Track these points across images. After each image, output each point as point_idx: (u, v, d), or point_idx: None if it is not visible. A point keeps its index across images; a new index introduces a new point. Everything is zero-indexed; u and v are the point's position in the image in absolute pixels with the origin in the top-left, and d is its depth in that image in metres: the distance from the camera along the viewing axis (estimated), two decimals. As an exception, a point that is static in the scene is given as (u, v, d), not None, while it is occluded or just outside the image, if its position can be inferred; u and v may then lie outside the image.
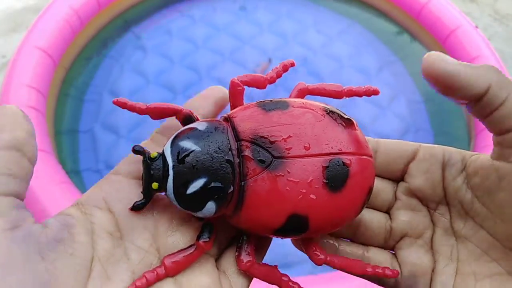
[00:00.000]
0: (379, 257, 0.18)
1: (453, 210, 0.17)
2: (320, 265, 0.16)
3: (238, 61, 0.80)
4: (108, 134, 0.68)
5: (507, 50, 0.96)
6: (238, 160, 0.15)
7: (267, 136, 0.15)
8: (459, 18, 0.78)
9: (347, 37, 0.86)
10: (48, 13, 0.70)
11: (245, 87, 0.18)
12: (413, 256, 0.17)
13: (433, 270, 0.17)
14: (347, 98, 0.19)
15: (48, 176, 0.52)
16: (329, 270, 0.57)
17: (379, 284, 0.18)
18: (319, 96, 0.20)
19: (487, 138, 0.62)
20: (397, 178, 0.18)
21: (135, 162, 0.16)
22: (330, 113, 0.16)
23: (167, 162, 0.15)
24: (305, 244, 0.17)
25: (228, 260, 0.16)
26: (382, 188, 0.18)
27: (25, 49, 0.65)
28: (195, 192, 0.15)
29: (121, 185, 0.16)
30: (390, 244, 0.18)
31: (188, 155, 0.15)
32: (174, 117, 0.17)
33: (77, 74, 0.75)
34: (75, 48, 0.75)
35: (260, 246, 0.17)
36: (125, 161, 0.16)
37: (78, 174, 0.63)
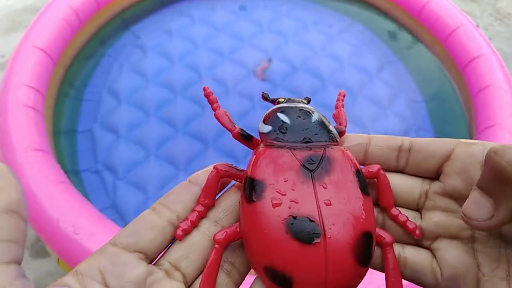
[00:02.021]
0: (418, 256, 0.17)
1: None
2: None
3: (238, 61, 0.79)
4: (107, 134, 0.68)
5: (508, 49, 0.96)
6: None
7: None
8: (460, 17, 0.78)
9: (347, 36, 0.85)
10: (47, 13, 0.70)
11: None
12: (452, 257, 0.16)
13: (478, 273, 0.16)
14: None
15: (47, 176, 0.52)
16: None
17: (418, 285, 0.17)
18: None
19: (488, 138, 0.61)
20: (430, 177, 0.18)
21: (134, 235, 0.16)
22: None
23: None
24: None
25: None
26: (410, 186, 0.18)
27: (24, 48, 0.65)
28: None
29: (118, 259, 0.15)
30: (424, 244, 0.17)
31: None
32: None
33: (76, 73, 0.75)
34: (74, 48, 0.75)
35: None
36: (125, 232, 0.16)
37: (77, 174, 0.63)
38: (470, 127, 0.71)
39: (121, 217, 0.60)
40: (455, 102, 0.76)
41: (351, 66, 0.81)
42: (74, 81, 0.74)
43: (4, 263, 0.12)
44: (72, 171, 0.63)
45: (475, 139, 0.69)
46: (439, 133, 0.73)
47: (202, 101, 0.72)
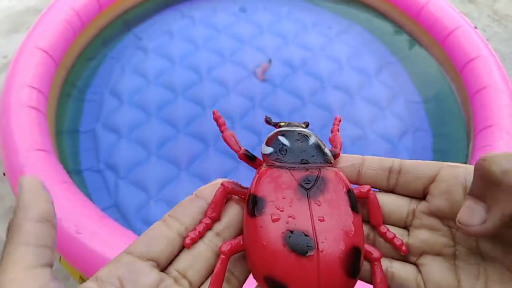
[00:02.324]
0: (404, 271, 0.18)
1: None
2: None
3: (238, 62, 0.80)
4: (109, 134, 0.69)
5: (505, 50, 0.97)
6: None
7: None
8: (458, 18, 0.78)
9: (346, 38, 0.86)
10: (49, 14, 0.71)
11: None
12: (436, 273, 0.17)
13: None
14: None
15: (49, 176, 0.52)
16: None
17: None
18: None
19: (486, 139, 0.62)
20: (418, 196, 0.19)
21: (147, 244, 0.17)
22: None
23: None
24: None
25: None
26: (399, 205, 0.19)
27: (26, 49, 0.65)
28: None
29: (133, 267, 0.16)
30: (410, 260, 0.18)
31: None
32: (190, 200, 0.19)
33: (78, 74, 0.75)
34: (76, 49, 0.76)
35: None
36: (139, 242, 0.17)
37: (79, 174, 0.64)
38: (468, 128, 0.71)
39: (122, 217, 0.60)
40: (453, 103, 0.76)
41: (349, 67, 0.81)
42: (76, 81, 0.74)
43: (40, 266, 0.14)
44: (75, 171, 0.63)
45: (473, 140, 0.70)
46: (437, 134, 0.73)
47: (203, 102, 0.73)
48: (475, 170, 0.15)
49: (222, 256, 0.17)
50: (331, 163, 0.19)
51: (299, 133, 0.19)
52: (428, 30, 0.81)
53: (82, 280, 0.51)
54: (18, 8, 0.97)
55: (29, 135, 0.56)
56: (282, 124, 0.21)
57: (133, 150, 0.67)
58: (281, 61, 0.81)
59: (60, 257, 0.52)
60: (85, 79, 0.75)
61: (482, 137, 0.63)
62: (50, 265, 0.14)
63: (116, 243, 0.47)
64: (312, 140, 0.19)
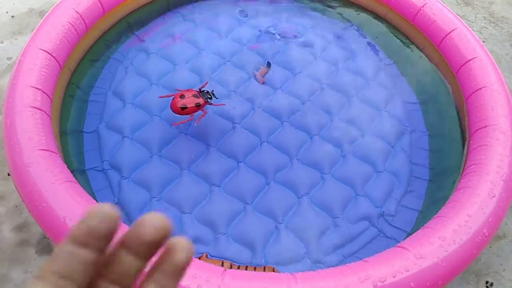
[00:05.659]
0: None
1: None
2: None
3: (239, 64, 0.81)
4: (112, 134, 0.70)
5: (501, 52, 0.98)
6: None
7: None
8: (455, 21, 0.79)
9: (344, 41, 0.87)
10: (53, 16, 0.71)
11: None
12: None
13: None
14: None
15: (54, 175, 0.52)
16: (327, 266, 0.58)
17: None
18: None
19: (482, 139, 0.62)
20: None
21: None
22: None
23: None
24: None
25: None
26: None
27: (30, 51, 0.65)
28: None
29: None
30: None
31: None
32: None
33: (82, 76, 0.76)
34: (80, 51, 0.77)
35: None
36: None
37: (83, 173, 0.65)
38: (464, 128, 0.72)
39: (126, 215, 0.61)
40: (449, 103, 0.77)
41: (347, 69, 0.82)
42: (80, 83, 0.75)
43: None
44: (79, 170, 0.64)
45: (468, 140, 0.70)
46: (433, 134, 0.74)
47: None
48: None
49: None
50: None
51: None
52: (425, 32, 0.82)
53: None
54: (22, 10, 0.98)
55: (33, 135, 0.56)
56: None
57: (136, 150, 0.68)
58: (280, 63, 0.82)
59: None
60: (89, 80, 0.76)
61: (477, 137, 0.64)
62: None
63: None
64: None
